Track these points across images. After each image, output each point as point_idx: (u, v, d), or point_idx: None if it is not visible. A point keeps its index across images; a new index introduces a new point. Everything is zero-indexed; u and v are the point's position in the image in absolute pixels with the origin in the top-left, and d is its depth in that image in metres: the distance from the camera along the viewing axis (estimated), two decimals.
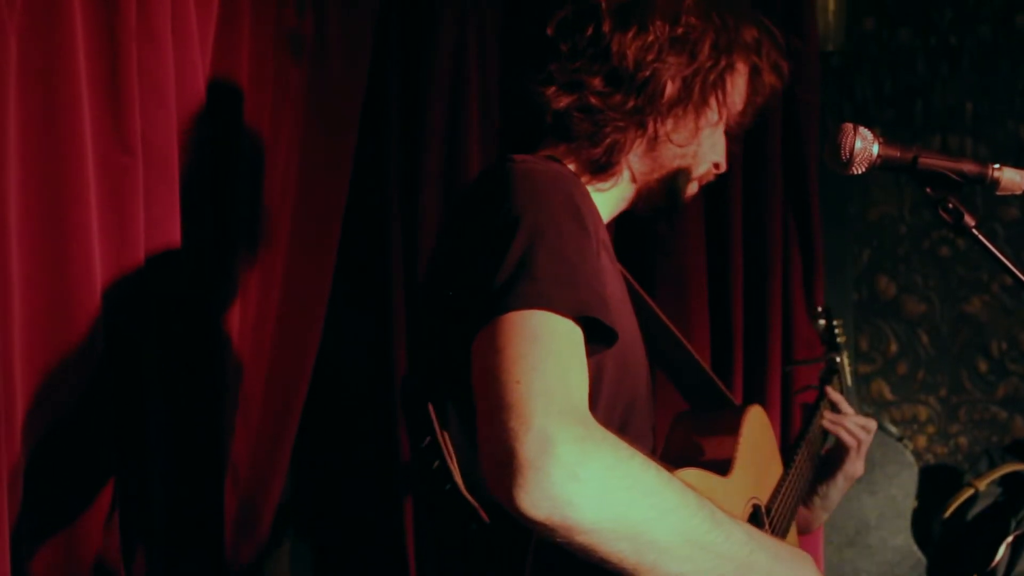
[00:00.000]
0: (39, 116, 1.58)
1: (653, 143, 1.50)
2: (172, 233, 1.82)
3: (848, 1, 3.22)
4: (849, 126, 1.39)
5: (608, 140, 1.46)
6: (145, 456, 1.79)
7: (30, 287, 1.59)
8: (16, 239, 1.55)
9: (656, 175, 1.54)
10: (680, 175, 1.54)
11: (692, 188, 1.59)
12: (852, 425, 1.89)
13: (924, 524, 3.18)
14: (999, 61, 3.42)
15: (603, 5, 1.45)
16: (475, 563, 1.28)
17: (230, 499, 2.07)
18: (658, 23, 1.45)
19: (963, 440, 3.45)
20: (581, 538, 1.06)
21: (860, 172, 1.40)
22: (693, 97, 1.47)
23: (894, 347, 3.46)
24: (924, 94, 3.44)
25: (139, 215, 1.72)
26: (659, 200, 1.57)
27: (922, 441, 3.46)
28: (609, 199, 1.54)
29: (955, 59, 3.43)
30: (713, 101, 1.50)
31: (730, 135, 1.61)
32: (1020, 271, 1.38)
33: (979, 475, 3.18)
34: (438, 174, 2.45)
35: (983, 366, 3.44)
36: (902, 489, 3.16)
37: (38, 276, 1.60)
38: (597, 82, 1.45)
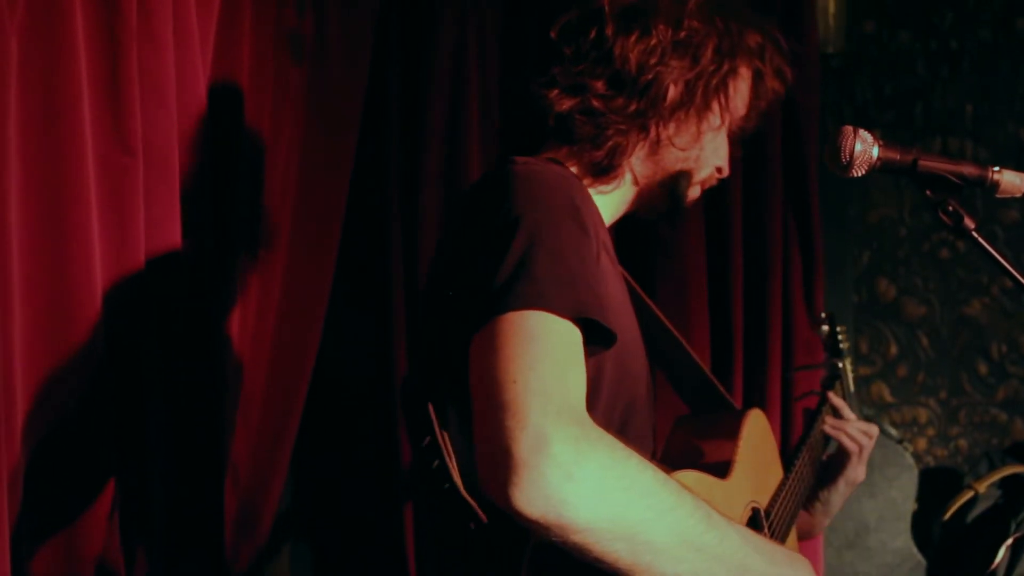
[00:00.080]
0: (39, 116, 1.58)
1: (655, 146, 1.50)
2: (172, 233, 1.82)
3: (848, 3, 3.22)
4: (849, 129, 1.38)
5: (610, 143, 1.46)
6: (145, 456, 1.80)
7: (30, 287, 1.59)
8: (16, 239, 1.55)
9: (658, 178, 1.54)
10: (682, 178, 1.54)
11: (694, 192, 1.59)
12: (854, 430, 1.89)
13: (924, 526, 3.18)
14: (999, 63, 3.42)
15: (607, 9, 1.46)
16: (474, 563, 1.28)
17: (230, 499, 2.07)
18: (661, 27, 1.45)
19: (963, 442, 3.45)
20: (576, 537, 1.07)
21: (860, 174, 1.40)
22: (695, 101, 1.48)
23: (894, 349, 3.46)
24: (924, 96, 3.44)
25: (139, 215, 1.72)
26: (661, 203, 1.57)
27: (922, 443, 3.45)
28: (611, 202, 1.54)
29: (955, 61, 3.43)
30: (715, 105, 1.50)
31: (733, 139, 1.61)
32: (1020, 274, 1.37)
33: (979, 477, 3.17)
34: (438, 174, 2.45)
35: (983, 369, 3.44)
36: (902, 491, 3.16)
37: (38, 276, 1.60)
38: (600, 85, 1.45)
